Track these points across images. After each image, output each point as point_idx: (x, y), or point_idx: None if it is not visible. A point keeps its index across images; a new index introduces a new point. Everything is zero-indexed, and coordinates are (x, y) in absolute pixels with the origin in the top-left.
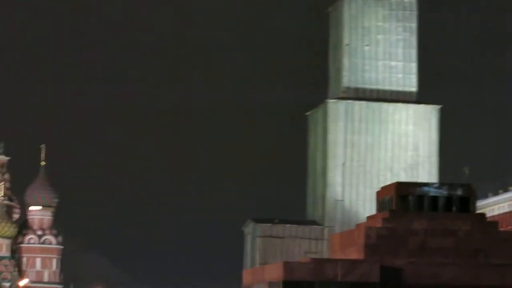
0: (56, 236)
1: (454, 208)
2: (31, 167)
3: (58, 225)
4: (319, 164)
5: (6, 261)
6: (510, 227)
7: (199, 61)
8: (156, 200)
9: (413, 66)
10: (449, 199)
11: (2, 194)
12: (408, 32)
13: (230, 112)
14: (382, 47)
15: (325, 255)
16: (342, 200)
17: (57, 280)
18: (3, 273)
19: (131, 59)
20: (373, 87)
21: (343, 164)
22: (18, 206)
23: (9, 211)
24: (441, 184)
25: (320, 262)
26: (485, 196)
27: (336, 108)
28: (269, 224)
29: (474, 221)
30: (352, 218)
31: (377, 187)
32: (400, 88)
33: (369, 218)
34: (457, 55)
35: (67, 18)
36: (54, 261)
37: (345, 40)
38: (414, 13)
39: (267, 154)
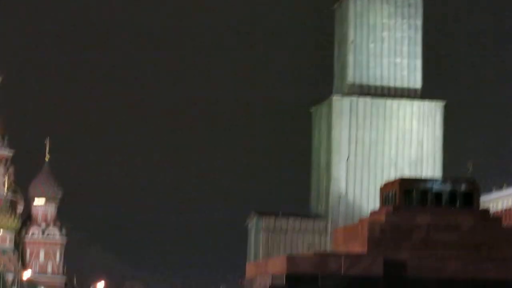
0: (59, 229)
1: (457, 203)
2: (36, 161)
3: (62, 218)
4: (323, 159)
5: (10, 254)
6: None
7: (199, 60)
8: (159, 194)
9: (418, 63)
10: (452, 194)
11: (7, 188)
12: (413, 29)
13: (235, 107)
14: (387, 44)
15: (329, 249)
16: (346, 195)
17: (60, 272)
18: (7, 265)
19: (131, 58)
20: (378, 83)
21: (347, 159)
22: (22, 199)
23: (13, 204)
24: (445, 179)
25: (323, 256)
26: (489, 190)
27: (341, 104)
28: (273, 218)
29: (477, 216)
30: (355, 213)
31: (381, 182)
32: (404, 85)
33: (373, 212)
34: (462, 52)
35: (71, 15)
36: (58, 254)
37: (350, 37)
38: (419, 11)
39: (272, 149)
